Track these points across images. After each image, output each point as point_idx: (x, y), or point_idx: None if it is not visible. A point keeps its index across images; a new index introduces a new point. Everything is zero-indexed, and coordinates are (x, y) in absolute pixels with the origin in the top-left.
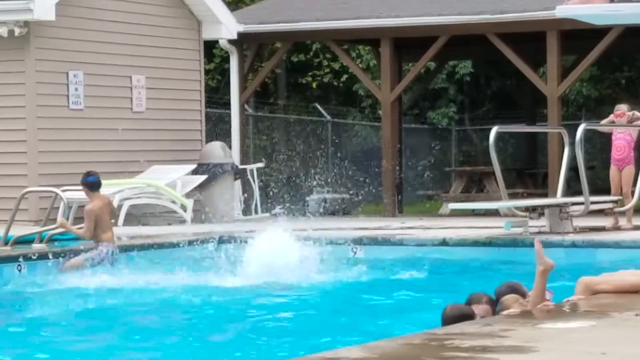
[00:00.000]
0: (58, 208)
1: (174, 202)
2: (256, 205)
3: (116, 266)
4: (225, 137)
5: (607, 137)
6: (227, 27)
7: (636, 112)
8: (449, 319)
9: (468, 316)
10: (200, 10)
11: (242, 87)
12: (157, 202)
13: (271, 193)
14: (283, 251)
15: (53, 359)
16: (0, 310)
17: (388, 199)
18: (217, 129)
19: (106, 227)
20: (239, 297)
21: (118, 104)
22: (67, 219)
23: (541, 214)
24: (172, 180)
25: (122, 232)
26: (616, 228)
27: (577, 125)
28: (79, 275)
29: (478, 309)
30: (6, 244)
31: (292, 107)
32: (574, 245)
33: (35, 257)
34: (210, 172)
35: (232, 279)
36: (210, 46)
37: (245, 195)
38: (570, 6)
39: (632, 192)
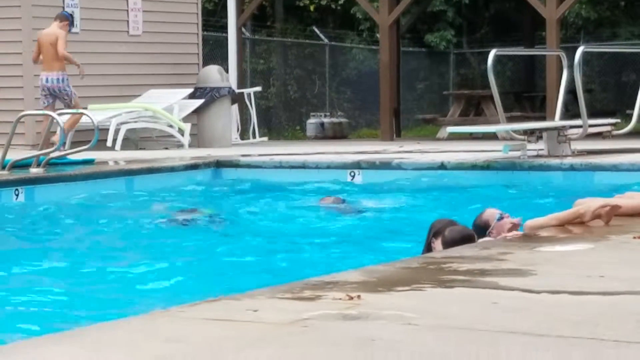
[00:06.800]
0: (54, 132)
1: (171, 126)
2: (254, 129)
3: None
4: (223, 60)
5: (605, 60)
6: None
7: None
8: (450, 243)
9: (468, 238)
10: None
11: (240, 10)
12: (154, 126)
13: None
14: None
15: None
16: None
17: (385, 122)
18: (214, 52)
19: (44, 57)
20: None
21: (114, 27)
22: (64, 143)
23: (539, 137)
24: (169, 105)
25: (120, 156)
26: None
27: (575, 48)
28: None
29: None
30: (3, 168)
31: (290, 31)
32: (572, 168)
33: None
34: (208, 96)
35: None
36: None
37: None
38: None
39: None
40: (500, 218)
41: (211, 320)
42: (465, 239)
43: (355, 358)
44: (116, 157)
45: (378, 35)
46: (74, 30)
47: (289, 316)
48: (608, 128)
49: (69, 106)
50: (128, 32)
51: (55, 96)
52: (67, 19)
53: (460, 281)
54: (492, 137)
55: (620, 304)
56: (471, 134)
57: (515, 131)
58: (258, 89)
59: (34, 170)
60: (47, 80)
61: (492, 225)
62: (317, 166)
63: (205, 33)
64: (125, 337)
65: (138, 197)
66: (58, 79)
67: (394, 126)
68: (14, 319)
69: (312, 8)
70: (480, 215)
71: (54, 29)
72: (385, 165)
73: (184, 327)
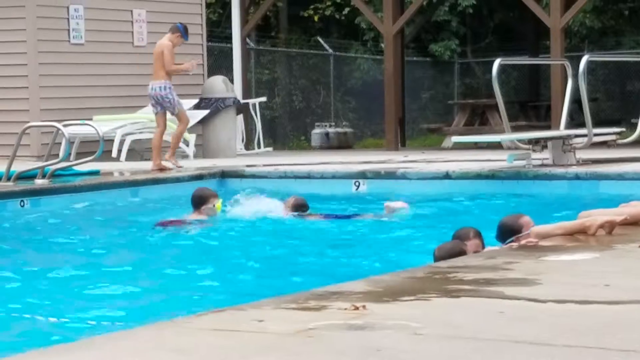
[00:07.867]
0: (60, 143)
1: None
2: (258, 139)
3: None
4: (227, 71)
5: (610, 69)
6: None
7: None
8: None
9: (458, 253)
10: None
11: (244, 21)
12: None
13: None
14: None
15: None
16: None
17: (390, 132)
18: (219, 63)
19: (153, 66)
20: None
21: (119, 39)
22: (69, 154)
23: (544, 147)
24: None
25: (125, 167)
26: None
27: (580, 57)
28: None
29: (468, 244)
30: (8, 179)
31: (294, 41)
32: (577, 177)
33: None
34: (213, 106)
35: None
36: None
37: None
38: None
39: None
40: None
41: (217, 331)
42: (455, 256)
43: None
44: (121, 168)
45: (382, 45)
46: (78, 41)
47: (295, 326)
48: (613, 137)
49: (172, 114)
50: (133, 43)
51: (162, 104)
52: (179, 31)
53: (466, 291)
54: (497, 146)
55: (626, 312)
56: (476, 143)
57: (520, 140)
58: (263, 99)
59: (39, 182)
60: (151, 89)
61: (523, 233)
62: (322, 176)
63: (209, 44)
64: (132, 348)
65: (143, 208)
66: (160, 87)
67: (398, 136)
68: (19, 330)
69: (316, 18)
70: (517, 218)
71: (164, 40)
72: (390, 175)
73: (190, 337)
